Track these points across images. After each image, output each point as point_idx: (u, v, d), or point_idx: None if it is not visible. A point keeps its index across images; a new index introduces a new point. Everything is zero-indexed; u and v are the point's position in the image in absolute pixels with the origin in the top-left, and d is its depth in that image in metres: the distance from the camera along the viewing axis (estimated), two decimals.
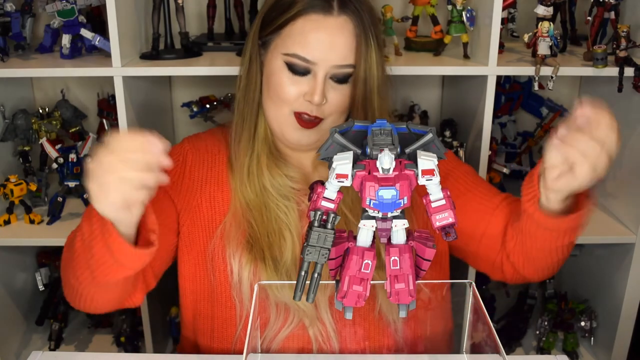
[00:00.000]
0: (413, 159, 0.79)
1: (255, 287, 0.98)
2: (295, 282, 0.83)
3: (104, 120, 1.83)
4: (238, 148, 1.18)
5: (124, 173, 0.81)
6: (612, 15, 1.52)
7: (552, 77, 1.46)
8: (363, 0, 1.13)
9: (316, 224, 0.80)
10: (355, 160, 0.80)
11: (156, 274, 1.16)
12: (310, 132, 1.14)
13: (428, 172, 0.78)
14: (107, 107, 1.83)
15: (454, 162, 1.31)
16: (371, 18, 1.12)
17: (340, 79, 1.11)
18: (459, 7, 1.51)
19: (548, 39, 1.45)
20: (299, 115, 1.12)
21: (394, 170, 0.76)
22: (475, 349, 1.01)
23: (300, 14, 1.09)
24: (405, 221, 0.80)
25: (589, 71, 1.48)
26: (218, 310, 1.18)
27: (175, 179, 1.20)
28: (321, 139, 1.13)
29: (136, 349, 1.77)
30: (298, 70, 1.10)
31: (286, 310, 1.11)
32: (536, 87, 1.49)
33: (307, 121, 1.12)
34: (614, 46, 1.48)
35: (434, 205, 0.81)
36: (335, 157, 0.80)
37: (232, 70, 1.50)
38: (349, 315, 0.84)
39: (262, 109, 1.18)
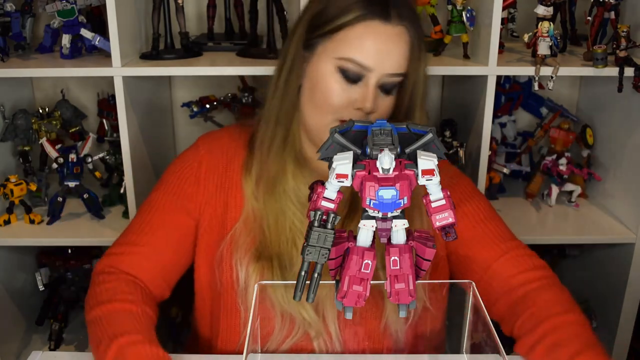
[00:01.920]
0: (413, 159, 0.79)
1: (256, 287, 0.98)
2: (295, 282, 0.83)
3: (104, 120, 1.83)
4: (267, 155, 1.14)
5: None
6: (612, 15, 1.52)
7: (552, 77, 1.46)
8: (415, 12, 1.13)
9: (316, 224, 0.80)
10: (356, 160, 0.80)
11: (170, 286, 1.18)
12: None
13: (428, 172, 0.78)
14: (107, 107, 1.83)
15: (469, 193, 1.24)
16: (421, 31, 1.12)
17: (388, 89, 1.10)
18: (459, 7, 1.51)
19: (548, 39, 1.45)
20: None
21: (394, 170, 0.76)
22: (475, 349, 1.01)
23: (359, 19, 1.07)
24: (405, 221, 0.80)
25: (589, 71, 1.48)
26: (223, 315, 1.17)
27: (191, 190, 1.18)
28: None
29: None
30: (351, 76, 1.08)
31: (291, 322, 1.10)
32: (536, 87, 1.49)
33: None
34: (614, 46, 1.48)
35: (434, 205, 0.80)
36: (335, 157, 0.80)
37: (233, 70, 1.51)
38: (349, 315, 0.84)
39: (299, 115, 1.14)
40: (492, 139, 1.66)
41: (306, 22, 1.13)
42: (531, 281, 1.11)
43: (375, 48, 1.07)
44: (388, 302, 1.11)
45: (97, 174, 1.74)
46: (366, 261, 0.81)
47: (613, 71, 1.47)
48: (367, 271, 0.81)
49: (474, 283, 0.98)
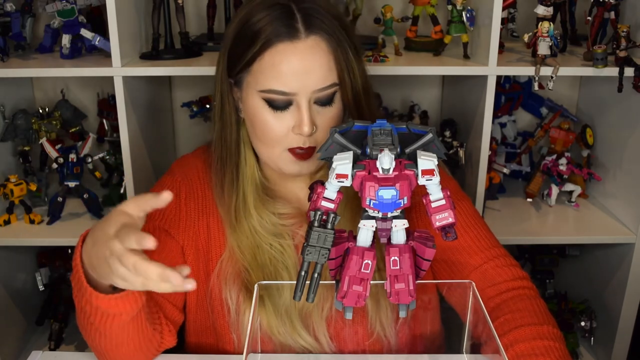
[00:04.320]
0: (413, 159, 0.79)
1: (256, 287, 0.97)
2: (295, 282, 0.83)
3: (104, 120, 1.83)
4: (221, 192, 1.12)
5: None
6: (612, 15, 1.52)
7: (552, 77, 1.46)
8: (327, 9, 1.05)
9: (316, 224, 0.80)
10: (355, 160, 0.80)
11: (178, 307, 1.14)
12: (308, 162, 1.08)
13: (428, 172, 0.78)
14: (107, 107, 1.83)
15: (454, 197, 1.22)
16: (341, 25, 1.05)
17: (324, 102, 1.04)
18: (459, 7, 1.51)
19: (548, 39, 1.45)
20: (292, 151, 1.06)
21: (394, 170, 0.76)
22: (475, 349, 1.01)
23: (266, 46, 1.01)
24: (405, 221, 0.80)
25: (589, 71, 1.48)
26: (217, 342, 1.16)
27: (172, 215, 1.15)
28: (319, 165, 1.10)
29: None
30: (278, 105, 1.03)
31: (291, 350, 1.10)
32: (536, 87, 1.49)
33: (302, 154, 1.06)
34: (614, 46, 1.48)
35: (434, 205, 0.81)
36: (335, 157, 0.80)
37: None
38: (349, 315, 0.84)
39: (247, 149, 1.12)
40: (492, 139, 1.66)
41: (225, 59, 1.09)
42: (510, 290, 1.08)
43: (292, 71, 1.01)
44: (373, 308, 1.10)
45: (97, 174, 1.74)
46: (366, 261, 0.81)
47: (613, 71, 1.47)
48: (367, 271, 0.81)
49: (473, 283, 0.98)
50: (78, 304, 0.96)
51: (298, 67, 1.01)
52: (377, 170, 0.76)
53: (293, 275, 1.10)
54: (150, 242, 0.76)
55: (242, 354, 1.12)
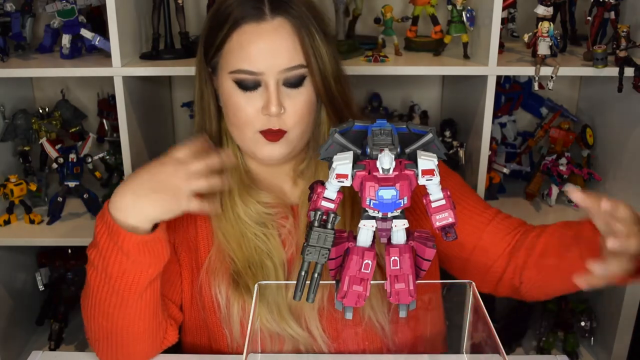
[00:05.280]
0: (413, 159, 0.79)
1: (256, 287, 0.97)
2: (295, 282, 0.83)
3: (104, 120, 1.84)
4: None
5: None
6: (612, 15, 1.53)
7: (552, 77, 1.46)
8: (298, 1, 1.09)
9: (316, 224, 0.80)
10: (356, 160, 0.80)
11: (177, 305, 1.16)
12: (279, 145, 1.09)
13: (428, 172, 0.78)
14: (107, 107, 1.83)
15: (441, 171, 1.25)
16: (310, 12, 1.08)
17: (293, 83, 1.07)
18: (459, 7, 1.51)
19: (548, 39, 1.45)
20: (263, 133, 1.09)
21: (394, 170, 0.76)
22: (475, 349, 1.01)
23: (233, 28, 1.06)
24: (405, 221, 0.80)
25: (589, 71, 1.48)
26: (209, 338, 1.17)
27: None
28: (292, 151, 1.11)
29: None
30: (247, 85, 1.06)
31: (280, 340, 1.10)
32: (536, 87, 1.49)
33: (273, 134, 1.08)
34: (614, 46, 1.48)
35: (434, 205, 0.81)
36: (335, 157, 0.80)
37: None
38: (349, 315, 0.84)
39: (227, 136, 1.15)
40: (492, 139, 1.66)
41: (201, 46, 1.13)
42: (520, 232, 1.17)
43: (258, 51, 1.05)
44: (367, 302, 1.09)
45: (97, 174, 1.74)
46: (366, 261, 0.81)
47: (613, 71, 1.47)
48: (367, 271, 0.81)
49: (474, 283, 0.98)
50: (100, 274, 0.99)
51: (263, 47, 1.05)
52: (377, 170, 0.76)
53: (278, 265, 1.11)
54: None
55: (236, 349, 1.13)
